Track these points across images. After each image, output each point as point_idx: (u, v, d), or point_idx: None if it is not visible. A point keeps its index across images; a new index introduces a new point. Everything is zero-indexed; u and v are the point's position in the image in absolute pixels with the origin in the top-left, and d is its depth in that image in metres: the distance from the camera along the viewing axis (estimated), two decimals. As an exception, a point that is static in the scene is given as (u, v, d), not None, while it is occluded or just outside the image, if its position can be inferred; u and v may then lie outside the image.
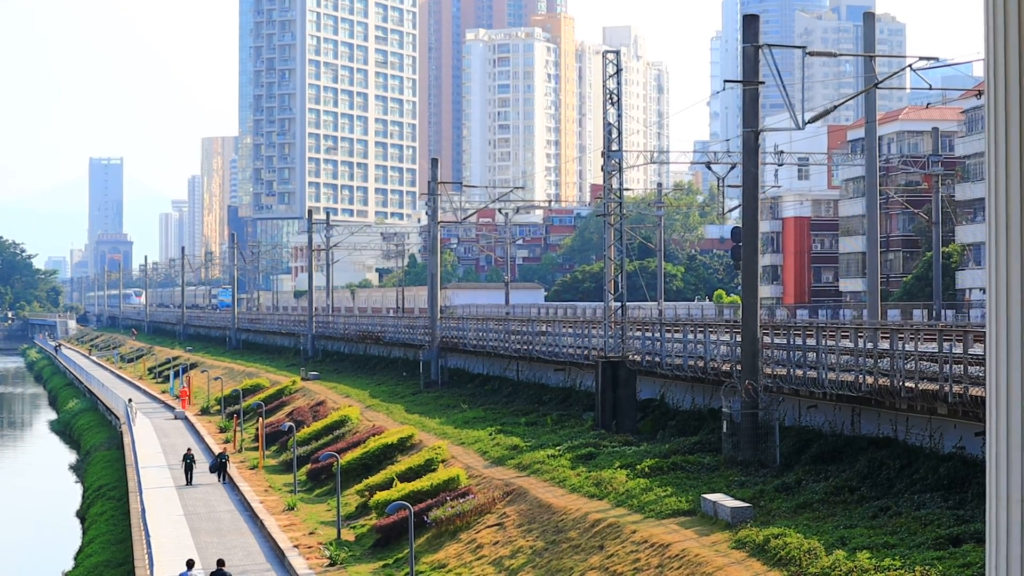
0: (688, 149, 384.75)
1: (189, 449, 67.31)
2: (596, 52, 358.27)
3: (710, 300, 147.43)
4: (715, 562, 31.14)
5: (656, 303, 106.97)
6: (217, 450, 72.31)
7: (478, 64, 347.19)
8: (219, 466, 64.09)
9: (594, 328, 64.54)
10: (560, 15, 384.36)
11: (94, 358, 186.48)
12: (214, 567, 40.40)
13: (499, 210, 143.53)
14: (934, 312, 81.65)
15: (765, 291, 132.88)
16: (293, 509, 54.56)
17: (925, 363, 35.95)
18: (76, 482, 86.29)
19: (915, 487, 34.34)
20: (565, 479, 44.60)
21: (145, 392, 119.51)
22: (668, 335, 55.40)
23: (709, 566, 31.02)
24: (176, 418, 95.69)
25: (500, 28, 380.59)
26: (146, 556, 44.34)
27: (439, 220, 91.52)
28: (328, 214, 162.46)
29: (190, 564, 40.59)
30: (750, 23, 45.24)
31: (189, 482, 62.67)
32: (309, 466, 62.62)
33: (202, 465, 67.38)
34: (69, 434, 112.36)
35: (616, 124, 59.57)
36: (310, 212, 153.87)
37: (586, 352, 62.72)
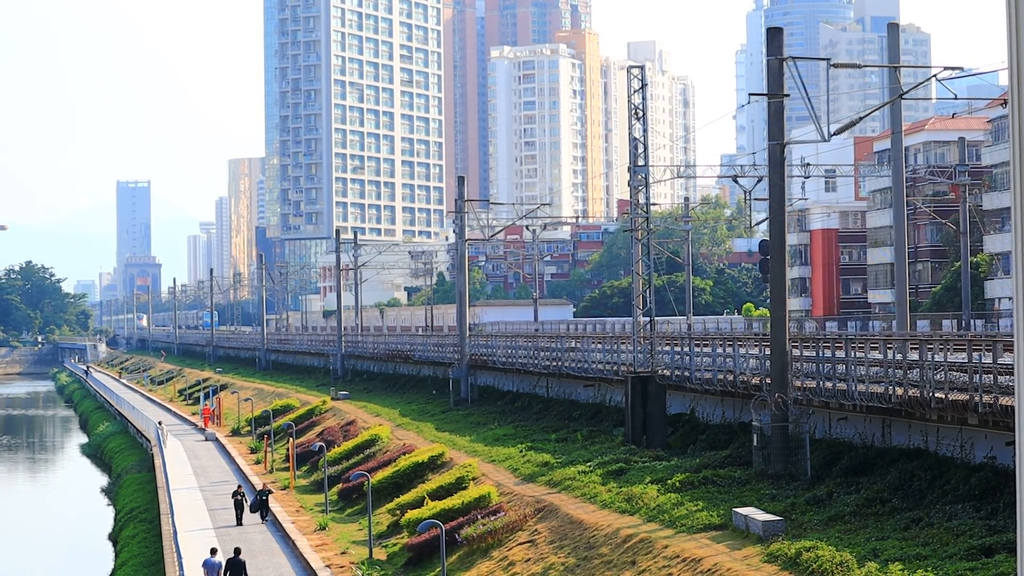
0: (715, 163, 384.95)
1: (239, 486, 60.63)
2: (621, 67, 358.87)
3: (739, 313, 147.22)
4: (747, 576, 31.08)
5: (685, 317, 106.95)
6: (253, 477, 71.36)
7: (503, 81, 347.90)
8: (261, 503, 58.58)
9: (623, 343, 64.46)
10: (584, 31, 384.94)
11: (124, 381, 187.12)
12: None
13: (526, 227, 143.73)
14: (963, 322, 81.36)
15: (794, 304, 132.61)
16: (325, 529, 54.61)
17: (955, 373, 35.82)
18: (108, 505, 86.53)
19: (946, 498, 34.21)
20: (596, 495, 44.55)
21: (175, 414, 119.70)
22: (697, 349, 55.33)
23: (741, 580, 30.95)
24: (206, 439, 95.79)
25: (525, 45, 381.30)
26: (179, 577, 44.51)
27: (466, 238, 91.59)
28: (356, 233, 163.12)
29: (213, 551, 43.98)
30: (774, 36, 45.17)
31: (239, 521, 57.44)
32: (340, 486, 62.63)
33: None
34: (100, 457, 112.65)
35: (642, 139, 59.58)
36: (338, 232, 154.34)
37: (615, 368, 62.65)
